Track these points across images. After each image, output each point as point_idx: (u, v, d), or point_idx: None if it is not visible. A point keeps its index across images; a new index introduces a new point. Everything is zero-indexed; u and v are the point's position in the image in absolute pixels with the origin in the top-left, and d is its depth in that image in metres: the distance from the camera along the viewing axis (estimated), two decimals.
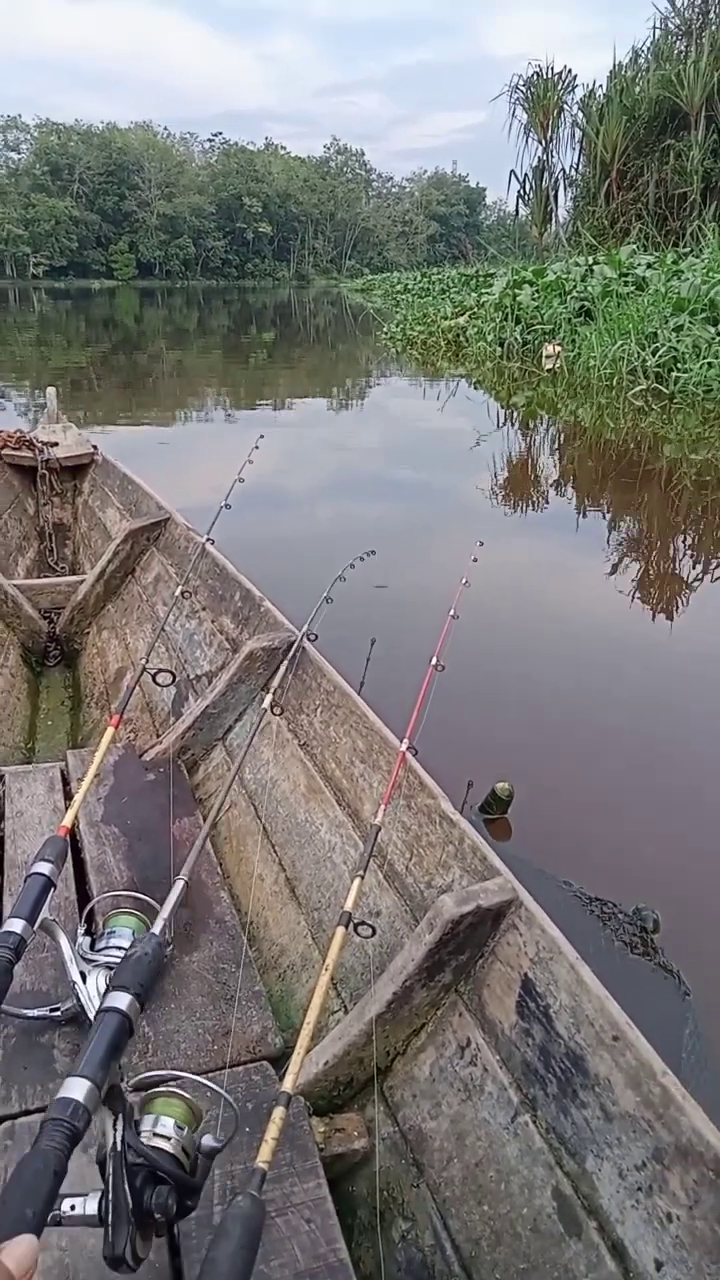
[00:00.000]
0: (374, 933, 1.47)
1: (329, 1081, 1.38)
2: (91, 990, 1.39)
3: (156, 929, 1.22)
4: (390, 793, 1.61)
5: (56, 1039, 1.40)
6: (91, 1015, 1.38)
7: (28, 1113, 1.28)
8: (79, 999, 1.39)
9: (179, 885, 1.36)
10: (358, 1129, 1.35)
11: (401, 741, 1.71)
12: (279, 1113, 1.02)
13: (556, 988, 1.24)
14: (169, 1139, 0.98)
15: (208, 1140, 1.01)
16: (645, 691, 3.60)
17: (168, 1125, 0.99)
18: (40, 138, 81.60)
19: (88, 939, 1.49)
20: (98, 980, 1.40)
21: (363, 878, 1.43)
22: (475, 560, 2.38)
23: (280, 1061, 1.43)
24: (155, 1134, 0.98)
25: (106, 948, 1.47)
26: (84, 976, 1.41)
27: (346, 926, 1.34)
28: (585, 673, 3.78)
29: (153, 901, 1.59)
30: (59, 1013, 1.41)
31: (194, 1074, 1.39)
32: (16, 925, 1.32)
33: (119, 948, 1.47)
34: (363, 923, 1.41)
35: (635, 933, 2.19)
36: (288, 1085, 1.07)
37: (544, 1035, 1.22)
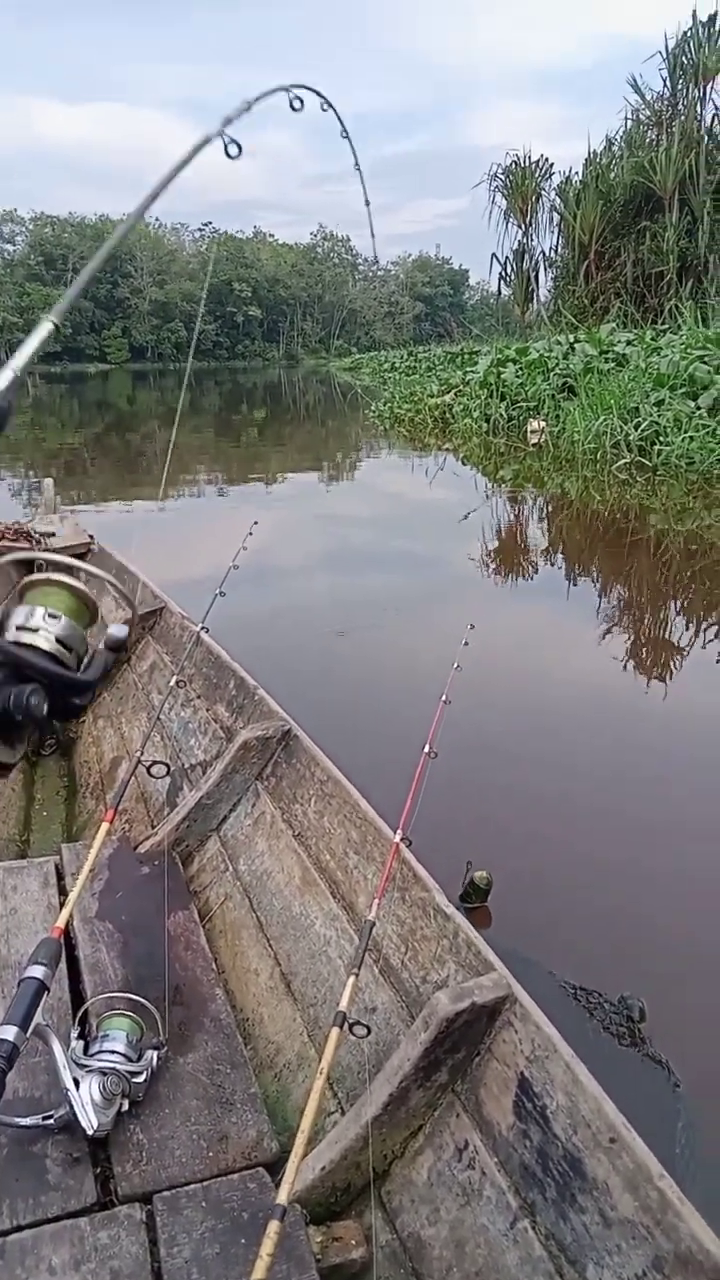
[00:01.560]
0: (369, 1031, 1.46)
1: (325, 1188, 1.36)
2: (85, 1097, 1.38)
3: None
4: (384, 886, 1.62)
5: (50, 1148, 1.38)
6: (86, 1123, 1.37)
7: (19, 1229, 1.25)
8: (72, 1107, 1.38)
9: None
10: (355, 1237, 1.33)
11: (395, 832, 1.72)
12: (274, 1227, 1.00)
13: (553, 1087, 1.23)
14: (36, 631, 0.83)
15: (114, 629, 0.89)
16: (635, 768, 3.61)
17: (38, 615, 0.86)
18: (35, 230, 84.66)
19: (81, 1043, 1.48)
20: (91, 1087, 1.39)
21: (357, 975, 1.43)
22: (466, 644, 2.42)
23: (275, 1167, 1.41)
24: (22, 628, 0.83)
25: (100, 1052, 1.46)
26: (77, 1083, 1.39)
27: (342, 1027, 1.34)
28: (576, 752, 3.79)
29: (146, 1003, 1.59)
30: (52, 1121, 1.39)
31: (188, 1182, 1.37)
32: (9, 1033, 1.30)
33: (113, 1051, 1.46)
34: (358, 1022, 1.40)
35: (622, 1022, 2.17)
36: (283, 1196, 1.06)
37: (542, 1137, 1.21)
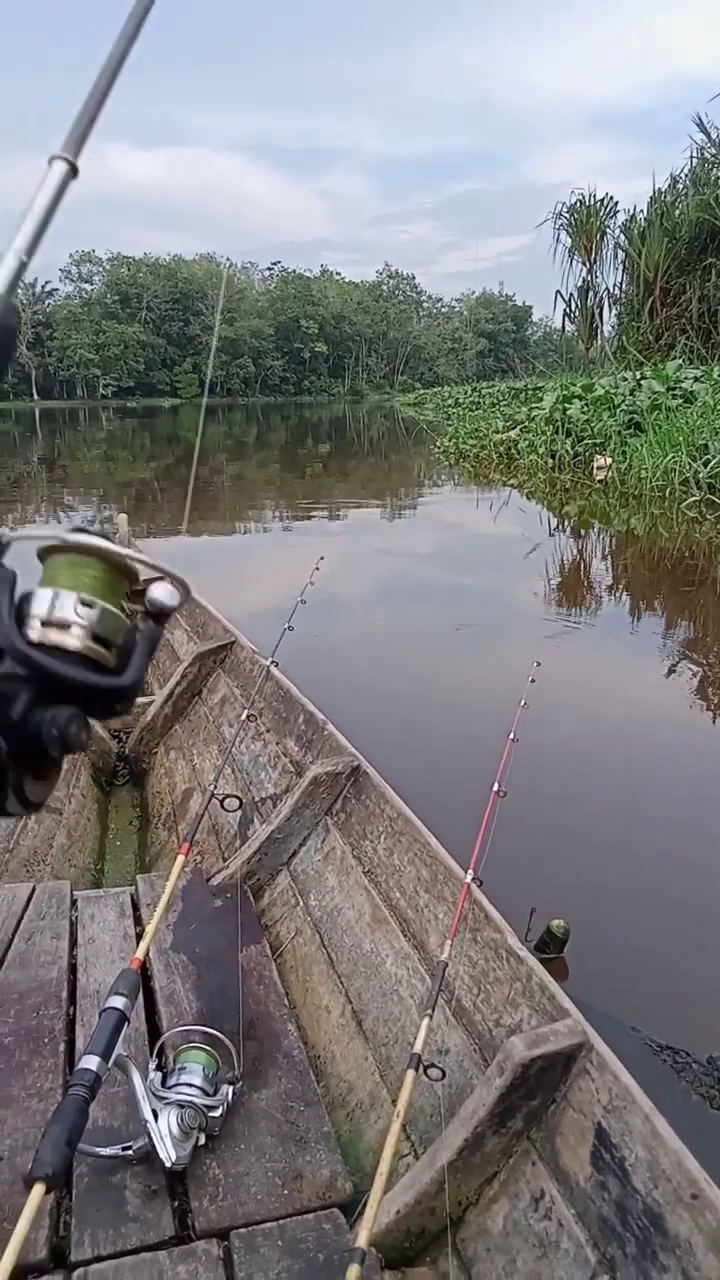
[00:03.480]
0: (443, 1075, 1.46)
1: (400, 1232, 1.35)
2: (164, 1130, 1.40)
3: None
4: (456, 926, 1.62)
5: (128, 1179, 1.40)
6: (164, 1155, 1.39)
7: (100, 1259, 1.28)
8: (151, 1138, 1.40)
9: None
10: None
11: (466, 872, 1.72)
12: (354, 1271, 1.01)
13: (631, 1139, 1.21)
14: (68, 628, 0.58)
15: (158, 593, 0.66)
16: (716, 817, 3.52)
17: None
18: (112, 270, 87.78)
19: (159, 1074, 1.50)
20: (169, 1119, 1.41)
21: (431, 1016, 1.43)
22: (533, 681, 2.42)
23: (350, 1208, 1.41)
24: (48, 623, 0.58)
25: (178, 1084, 1.48)
26: (155, 1115, 1.42)
27: (416, 1069, 1.34)
28: (651, 795, 3.71)
29: (222, 1036, 1.61)
30: (131, 1151, 1.42)
31: (264, 1220, 1.37)
32: (92, 1062, 1.33)
33: (190, 1084, 1.48)
34: (432, 1064, 1.40)
35: (713, 1084, 2.09)
36: (362, 1240, 1.06)
37: (620, 1190, 1.19)
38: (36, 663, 0.57)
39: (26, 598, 0.59)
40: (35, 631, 0.58)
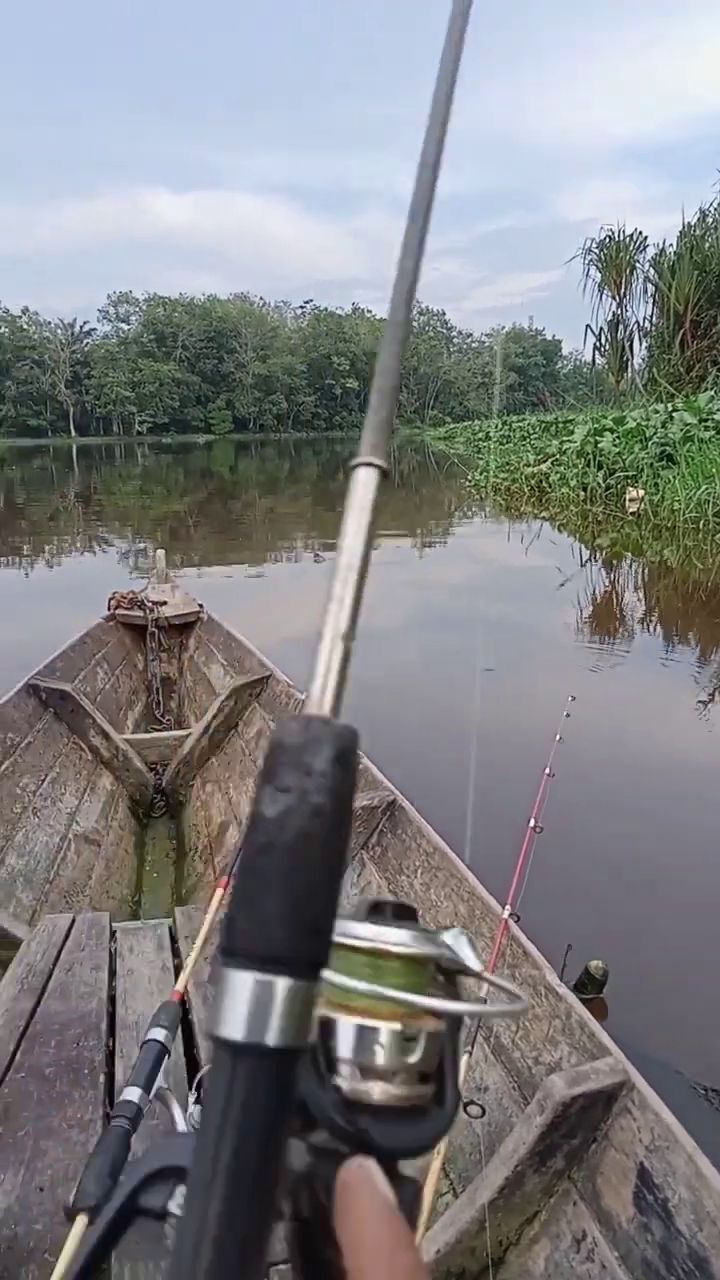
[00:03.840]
0: (483, 1112, 1.45)
1: (440, 1272, 1.34)
2: None
3: None
4: (494, 962, 1.61)
5: None
6: None
7: None
8: None
9: None
10: None
11: (504, 908, 1.71)
12: None
13: (675, 1180, 1.20)
14: (388, 1076, 0.40)
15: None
16: None
17: None
18: (148, 310, 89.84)
19: (198, 1107, 1.51)
20: None
21: (470, 1053, 1.43)
22: (568, 715, 2.41)
23: None
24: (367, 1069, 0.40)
25: None
26: None
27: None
28: (689, 832, 3.66)
29: None
30: None
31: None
32: (134, 1094, 1.34)
33: None
34: (471, 1101, 1.40)
35: None
36: None
37: (664, 1232, 1.18)
38: (361, 1138, 0.38)
39: (328, 1028, 0.39)
40: (347, 1081, 0.39)
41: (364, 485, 0.41)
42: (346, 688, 0.36)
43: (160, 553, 5.05)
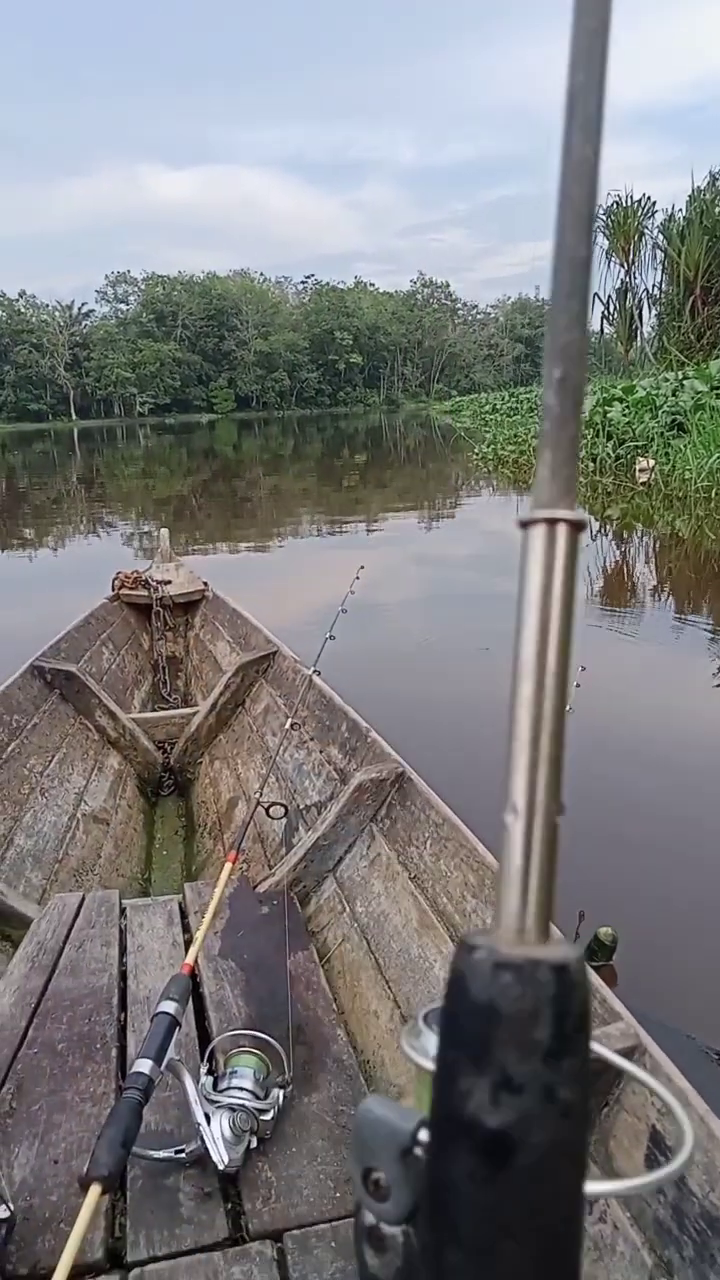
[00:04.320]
0: None
1: None
2: (216, 1133, 1.40)
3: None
4: None
5: (182, 1182, 1.41)
6: (217, 1158, 1.39)
7: (155, 1259, 1.28)
8: (204, 1141, 1.40)
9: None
10: None
11: None
12: None
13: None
14: None
15: None
16: None
17: None
18: (147, 289, 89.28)
19: (210, 1078, 1.51)
20: (222, 1122, 1.41)
21: None
22: (578, 686, 2.39)
23: None
24: None
25: (229, 1088, 1.48)
26: (208, 1118, 1.42)
27: None
28: (703, 801, 3.64)
29: (272, 1040, 1.61)
30: (184, 1154, 1.42)
31: (316, 1222, 1.37)
32: (145, 1066, 1.35)
33: (241, 1088, 1.49)
34: None
35: None
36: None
37: (676, 1193, 1.17)
38: None
39: None
40: None
41: (547, 547, 0.31)
42: (555, 881, 0.26)
43: (164, 532, 5.03)
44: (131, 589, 4.56)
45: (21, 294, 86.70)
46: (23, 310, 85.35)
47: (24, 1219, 1.33)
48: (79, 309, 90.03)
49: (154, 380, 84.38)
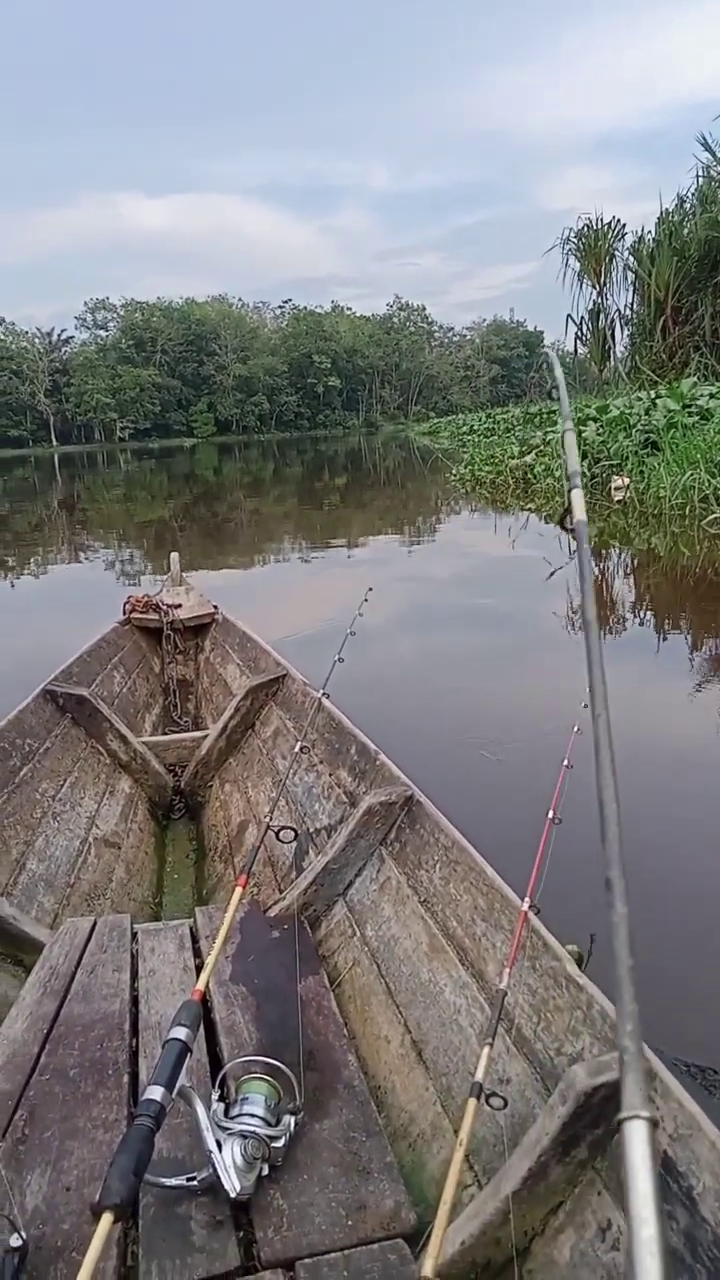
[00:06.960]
0: (505, 1104, 1.45)
1: (465, 1263, 1.34)
2: (228, 1160, 1.40)
3: None
4: (514, 954, 1.61)
5: (194, 1210, 1.40)
6: (229, 1186, 1.39)
7: None
8: (215, 1168, 1.40)
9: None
10: None
11: (523, 900, 1.71)
12: None
13: (699, 1168, 1.19)
14: None
15: None
16: None
17: None
18: (126, 315, 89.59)
19: (221, 1105, 1.51)
20: (233, 1149, 1.41)
21: (491, 1045, 1.43)
22: (585, 706, 2.40)
23: (414, 1238, 1.40)
24: None
25: (240, 1115, 1.48)
26: (219, 1145, 1.42)
27: (478, 1098, 1.33)
28: (706, 821, 3.64)
29: (283, 1066, 1.61)
30: (196, 1182, 1.42)
31: (329, 1250, 1.37)
32: (156, 1093, 1.34)
33: (252, 1115, 1.49)
34: (494, 1093, 1.40)
35: None
36: (428, 1270, 1.06)
37: (689, 1220, 1.17)
38: None
39: None
40: None
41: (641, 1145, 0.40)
42: None
43: (175, 556, 5.12)
44: (143, 613, 4.59)
45: (0, 322, 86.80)
46: (2, 338, 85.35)
47: (36, 1248, 1.33)
48: (59, 335, 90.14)
49: (134, 405, 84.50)
